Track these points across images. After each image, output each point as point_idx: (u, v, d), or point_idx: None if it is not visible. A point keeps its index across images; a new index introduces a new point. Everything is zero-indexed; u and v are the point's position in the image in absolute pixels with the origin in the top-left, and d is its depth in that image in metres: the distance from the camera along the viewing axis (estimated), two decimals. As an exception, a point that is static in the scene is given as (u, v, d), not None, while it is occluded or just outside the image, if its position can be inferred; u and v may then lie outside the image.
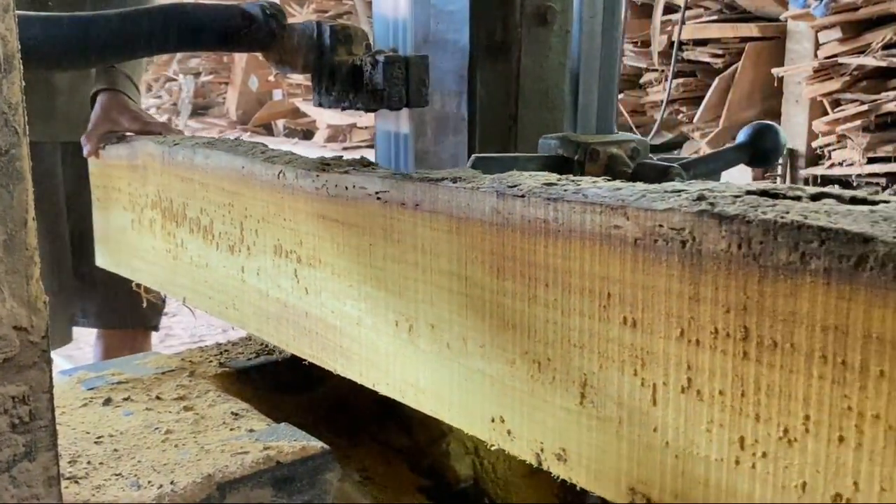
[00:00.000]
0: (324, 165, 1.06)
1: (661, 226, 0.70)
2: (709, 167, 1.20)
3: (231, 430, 1.10)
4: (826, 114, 4.61)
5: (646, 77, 5.61)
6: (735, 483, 0.68)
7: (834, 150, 4.61)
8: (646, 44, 5.54)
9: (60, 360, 3.05)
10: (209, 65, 9.95)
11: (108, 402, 1.20)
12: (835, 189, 0.68)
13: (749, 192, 0.69)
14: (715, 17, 5.24)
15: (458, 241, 0.88)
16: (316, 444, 1.05)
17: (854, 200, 0.65)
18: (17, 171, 0.65)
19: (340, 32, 1.22)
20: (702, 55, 5.30)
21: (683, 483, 0.71)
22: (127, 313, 2.12)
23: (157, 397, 1.22)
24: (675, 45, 2.21)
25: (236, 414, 1.15)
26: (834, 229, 0.59)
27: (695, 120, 5.31)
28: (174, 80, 10.22)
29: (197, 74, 10.01)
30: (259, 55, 1.30)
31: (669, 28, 5.33)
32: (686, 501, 0.71)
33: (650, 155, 1.28)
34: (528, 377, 0.83)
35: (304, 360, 1.17)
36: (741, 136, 1.23)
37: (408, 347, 0.97)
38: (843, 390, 0.60)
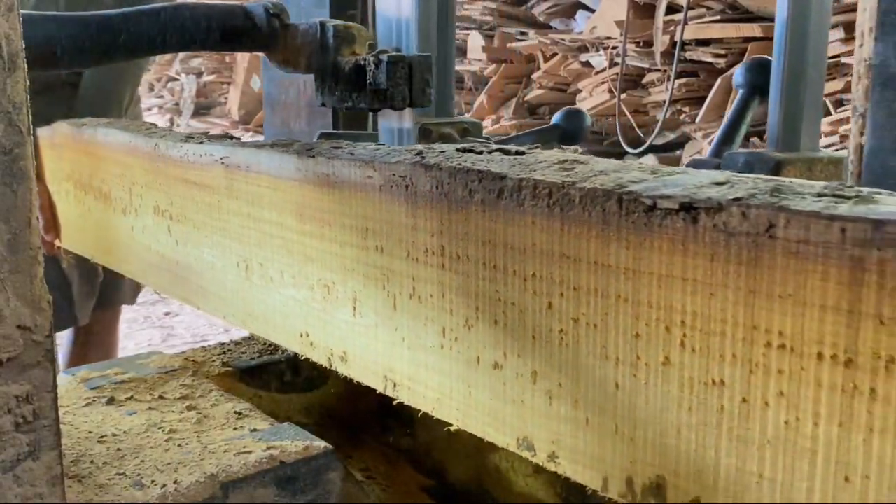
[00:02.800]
0: (187, 138, 1.29)
1: (394, 174, 0.93)
2: (522, 144, 1.44)
3: (234, 429, 1.11)
4: (829, 114, 4.53)
5: (648, 77, 5.55)
6: (442, 365, 0.91)
7: (837, 149, 4.61)
8: (648, 44, 5.48)
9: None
10: (211, 64, 9.97)
11: (111, 401, 1.21)
12: (510, 146, 0.91)
13: (457, 150, 0.92)
14: (717, 18, 5.15)
15: (276, 195, 1.11)
16: (319, 444, 1.06)
17: (516, 153, 0.88)
18: (21, 171, 0.65)
19: (343, 32, 1.23)
20: (704, 55, 5.22)
21: (414, 368, 0.95)
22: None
23: (161, 397, 1.23)
24: (678, 45, 2.27)
25: (239, 413, 1.16)
26: (486, 171, 0.83)
27: (697, 120, 5.26)
28: (176, 79, 10.27)
29: (199, 74, 10.05)
30: (262, 55, 1.30)
31: (672, 28, 5.26)
32: (415, 383, 0.95)
33: (486, 135, 1.53)
34: (321, 299, 1.07)
35: (305, 359, 1.18)
36: (554, 119, 1.47)
37: (245, 283, 1.21)
38: (495, 286, 0.84)
